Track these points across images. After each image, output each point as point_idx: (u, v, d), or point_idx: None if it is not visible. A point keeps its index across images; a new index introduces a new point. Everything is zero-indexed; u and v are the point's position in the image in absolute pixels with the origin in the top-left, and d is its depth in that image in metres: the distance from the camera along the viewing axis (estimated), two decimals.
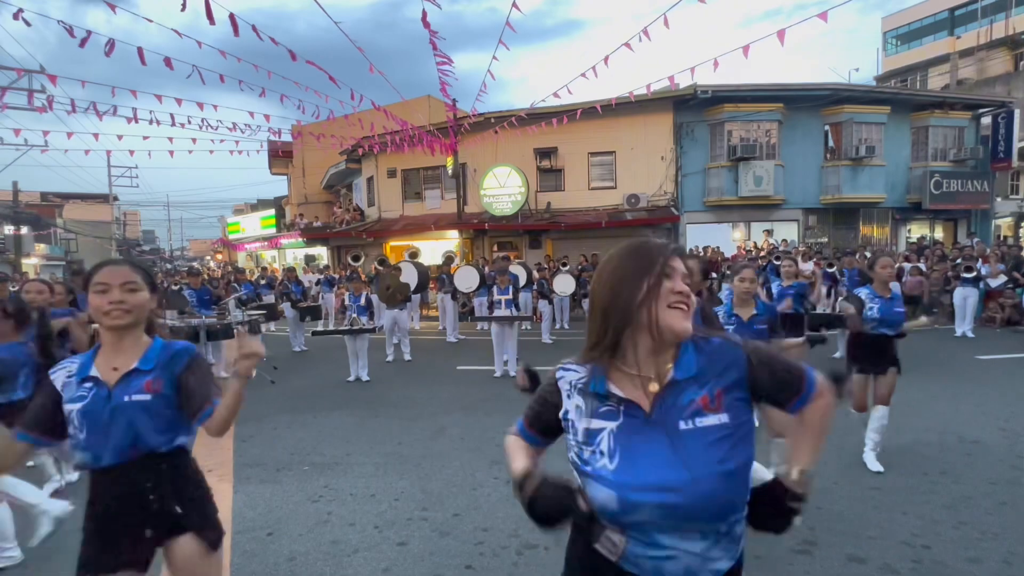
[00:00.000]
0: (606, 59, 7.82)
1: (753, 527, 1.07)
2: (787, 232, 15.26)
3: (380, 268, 12.13)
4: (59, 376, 1.47)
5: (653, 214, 14.98)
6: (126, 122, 9.16)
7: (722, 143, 15.06)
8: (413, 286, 8.46)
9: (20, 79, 15.56)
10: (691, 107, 14.90)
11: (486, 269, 11.67)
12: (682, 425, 0.98)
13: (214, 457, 4.03)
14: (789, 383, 1.04)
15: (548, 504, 0.99)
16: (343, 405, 5.77)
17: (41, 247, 28.30)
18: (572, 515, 0.99)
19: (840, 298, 8.34)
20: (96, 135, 10.52)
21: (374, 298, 8.27)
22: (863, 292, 3.70)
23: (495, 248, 16.43)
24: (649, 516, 0.96)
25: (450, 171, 15.07)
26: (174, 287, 10.10)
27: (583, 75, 7.98)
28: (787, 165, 15.08)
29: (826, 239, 15.52)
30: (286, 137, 17.05)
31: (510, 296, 7.23)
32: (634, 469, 0.97)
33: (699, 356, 1.03)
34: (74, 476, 3.59)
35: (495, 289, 7.36)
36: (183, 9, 5.24)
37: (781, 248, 13.01)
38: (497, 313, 7.21)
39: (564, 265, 11.80)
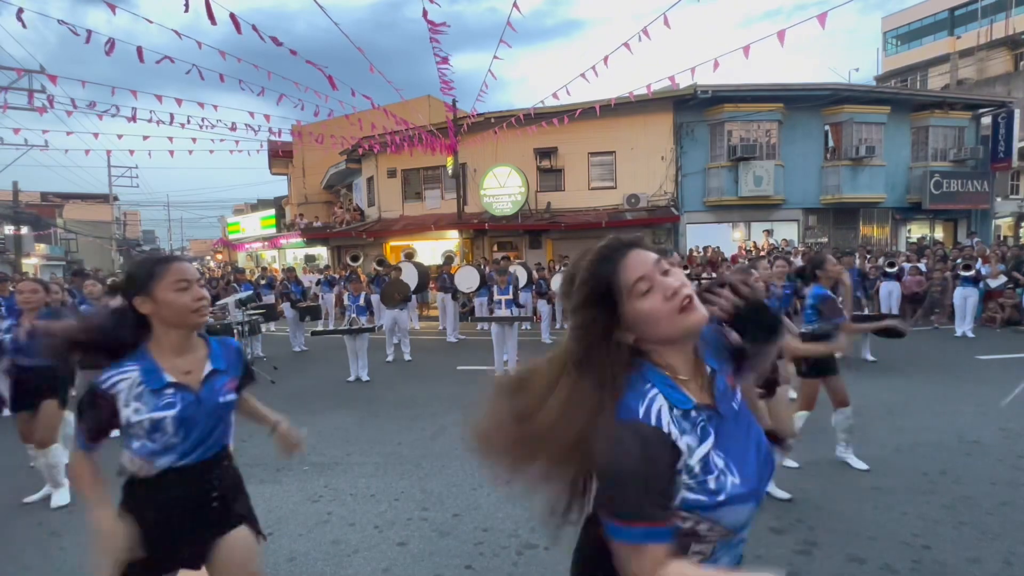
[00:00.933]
0: (606, 59, 7.82)
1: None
2: (787, 232, 15.26)
3: (379, 268, 12.14)
4: (121, 387, 1.36)
5: (653, 214, 14.99)
6: (126, 122, 9.17)
7: (722, 143, 15.06)
8: (413, 286, 8.47)
9: (20, 79, 15.57)
10: (691, 107, 14.91)
11: (486, 269, 11.67)
12: (734, 405, 0.97)
13: None
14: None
15: None
16: (343, 405, 5.77)
17: (41, 247, 28.29)
18: None
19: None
20: (96, 135, 10.52)
21: (374, 298, 8.29)
22: (816, 292, 3.73)
23: (495, 248, 16.44)
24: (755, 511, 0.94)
25: (450, 171, 15.08)
26: None
27: (583, 75, 7.98)
28: (787, 165, 15.09)
29: (826, 239, 15.52)
30: (286, 137, 17.07)
31: (510, 296, 7.24)
32: (747, 470, 0.91)
33: (708, 346, 1.01)
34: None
35: (495, 289, 7.37)
36: (186, 10, 5.24)
37: (781, 248, 13.02)
38: (497, 313, 7.21)
39: (563, 265, 11.80)
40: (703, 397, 0.94)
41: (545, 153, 15.69)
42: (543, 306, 10.55)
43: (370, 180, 18.87)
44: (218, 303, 8.14)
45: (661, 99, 14.56)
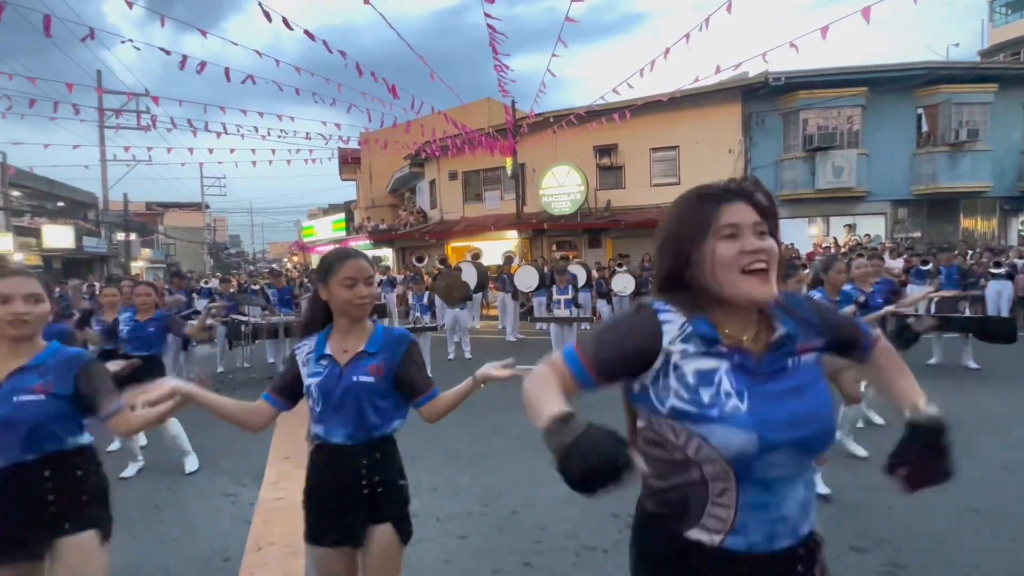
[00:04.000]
0: (666, 52, 7.59)
1: (917, 485, 1.03)
2: (872, 227, 14.05)
3: (441, 267, 12.48)
4: (301, 352, 1.60)
5: None
6: (216, 136, 10.05)
7: (796, 133, 14.12)
8: (473, 286, 8.64)
9: (129, 102, 17.44)
10: (761, 96, 14.10)
11: (545, 269, 11.68)
12: (789, 363, 0.96)
13: (290, 445, 4.31)
14: (852, 332, 1.10)
15: (593, 457, 0.77)
16: None
17: (146, 251, 31.62)
18: (619, 474, 0.77)
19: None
20: (191, 149, 11.66)
21: (435, 297, 8.54)
22: (816, 295, 3.64)
23: (554, 248, 16.40)
24: (781, 458, 0.90)
25: (509, 172, 15.22)
26: (254, 287, 10.95)
27: (641, 72, 7.79)
28: (872, 154, 13.88)
29: (919, 233, 14.13)
30: (355, 144, 17.98)
31: (569, 296, 7.21)
32: (766, 407, 0.90)
33: (789, 311, 1.01)
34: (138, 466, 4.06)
35: (554, 289, 7.36)
36: (269, 20, 5.69)
37: (865, 243, 12.01)
38: (556, 313, 7.20)
39: (621, 265, 11.56)
40: (737, 337, 0.96)
41: (605, 150, 15.44)
42: (603, 306, 10.39)
43: (432, 183, 19.43)
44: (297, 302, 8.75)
45: (728, 89, 13.91)
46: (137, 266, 27.66)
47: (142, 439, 4.33)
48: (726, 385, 0.91)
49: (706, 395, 0.90)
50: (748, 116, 14.42)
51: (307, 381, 1.56)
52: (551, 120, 13.82)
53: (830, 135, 13.68)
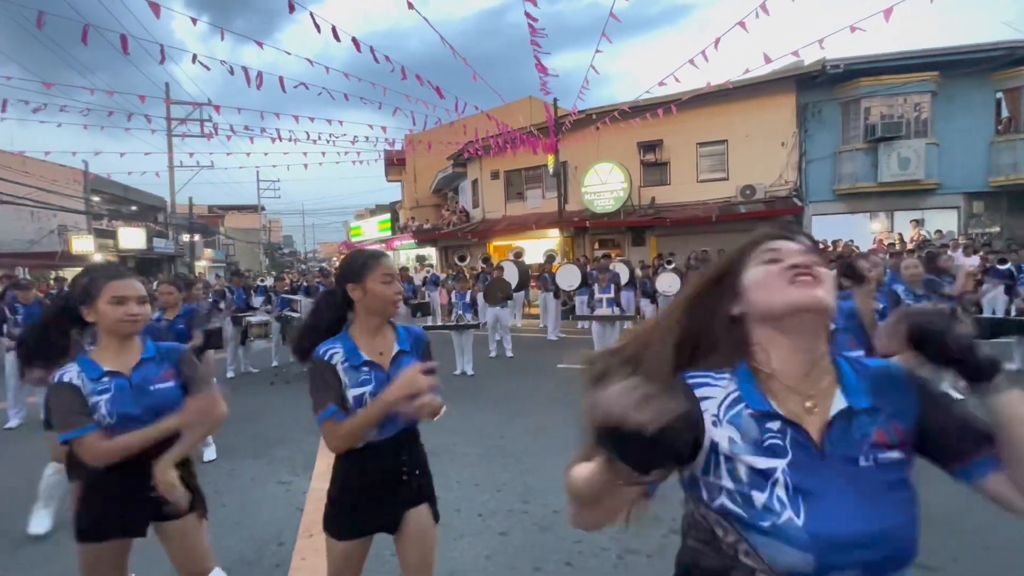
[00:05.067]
0: (716, 42, 7.34)
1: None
2: (943, 222, 13.06)
3: (484, 266, 12.61)
4: (336, 359, 1.56)
5: (771, 206, 13.72)
6: (271, 142, 10.57)
7: (857, 123, 13.30)
8: (514, 285, 8.67)
9: (193, 112, 18.59)
10: (818, 85, 13.38)
11: (587, 267, 11.57)
12: (862, 462, 0.79)
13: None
14: (969, 437, 0.81)
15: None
16: (449, 397, 6.04)
17: (208, 252, 33.63)
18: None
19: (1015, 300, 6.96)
20: (248, 154, 12.34)
21: (479, 296, 8.64)
22: (899, 289, 3.56)
23: (596, 246, 16.21)
24: None
25: (551, 170, 15.17)
26: (306, 284, 11.44)
27: (691, 62, 7.57)
28: (943, 143, 12.90)
29: (997, 228, 13.01)
30: (400, 146, 18.45)
31: (611, 295, 7.11)
32: (827, 523, 0.75)
33: (861, 379, 0.84)
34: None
35: (596, 288, 7.28)
36: (318, 31, 5.93)
37: (934, 239, 11.18)
38: (598, 312, 7.12)
39: (669, 263, 11.28)
40: (794, 412, 0.80)
41: (649, 146, 15.11)
42: (647, 306, 10.19)
43: (475, 183, 19.64)
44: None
45: (782, 79, 13.29)
46: (200, 265, 29.45)
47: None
48: (781, 488, 0.77)
49: (759, 499, 0.77)
50: (803, 107, 13.73)
51: (356, 391, 1.53)
52: (594, 117, 13.66)
53: (895, 124, 12.81)
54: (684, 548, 0.91)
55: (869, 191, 13.34)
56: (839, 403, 0.81)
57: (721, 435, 0.80)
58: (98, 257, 22.49)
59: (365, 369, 1.56)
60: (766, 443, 0.79)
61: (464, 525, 3.07)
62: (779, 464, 0.78)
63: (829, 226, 13.40)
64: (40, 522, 3.02)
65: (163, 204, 26.55)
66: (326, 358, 1.54)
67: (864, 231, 13.43)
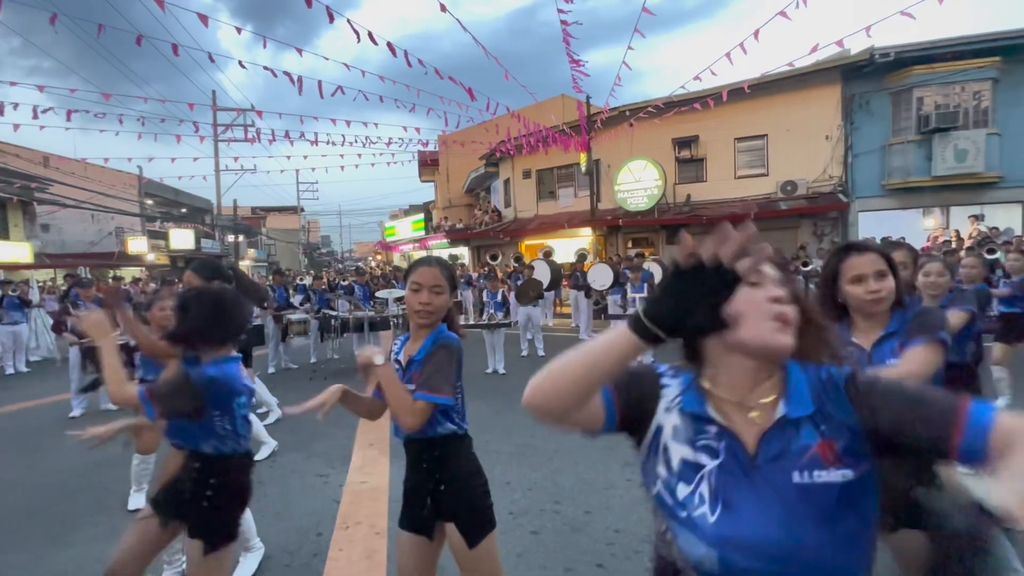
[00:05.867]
0: (756, 33, 7.11)
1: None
2: (1006, 217, 12.23)
3: (515, 265, 12.64)
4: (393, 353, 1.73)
5: (815, 202, 13.19)
6: (310, 145, 10.92)
7: (909, 114, 12.62)
8: (546, 284, 8.66)
9: (238, 117, 19.39)
10: (866, 75, 12.76)
11: (620, 266, 11.43)
12: (796, 478, 0.78)
13: (374, 433, 4.59)
14: (932, 423, 0.73)
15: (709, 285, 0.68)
16: (481, 395, 6.14)
17: (252, 252, 35.01)
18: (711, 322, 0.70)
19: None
20: (288, 157, 12.74)
21: (510, 295, 8.68)
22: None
23: (630, 245, 15.99)
24: None
25: (583, 168, 15.05)
26: (343, 283, 11.76)
27: (727, 56, 7.36)
28: (1005, 134, 12.07)
29: None
30: (434, 147, 18.71)
31: (644, 294, 7.00)
32: (739, 526, 0.77)
33: (811, 385, 0.82)
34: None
35: (628, 287, 7.18)
36: (358, 40, 6.09)
37: (993, 236, 10.48)
38: (631, 311, 7.03)
39: None
40: (734, 422, 0.82)
41: (685, 142, 14.79)
42: None
43: (507, 182, 19.70)
44: (378, 295, 9.29)
45: (826, 69, 12.76)
46: (244, 265, 30.69)
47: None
48: (705, 486, 0.81)
49: (682, 492, 0.82)
50: (849, 98, 13.13)
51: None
52: (627, 114, 13.46)
53: (951, 114, 12.08)
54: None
55: (922, 185, 12.63)
56: (779, 412, 0.81)
57: (667, 422, 0.87)
58: (151, 257, 23.74)
59: (395, 366, 1.69)
60: (700, 443, 0.84)
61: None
62: (709, 464, 0.82)
63: (877, 222, 12.76)
64: (135, 500, 3.40)
65: (210, 206, 27.82)
66: (393, 350, 1.75)
67: (916, 228, 12.73)
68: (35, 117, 8.29)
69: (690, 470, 0.83)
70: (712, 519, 0.79)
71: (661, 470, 0.85)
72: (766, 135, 14.06)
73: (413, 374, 1.61)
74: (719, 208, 14.16)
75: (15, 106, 7.97)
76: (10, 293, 8.13)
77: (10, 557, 2.88)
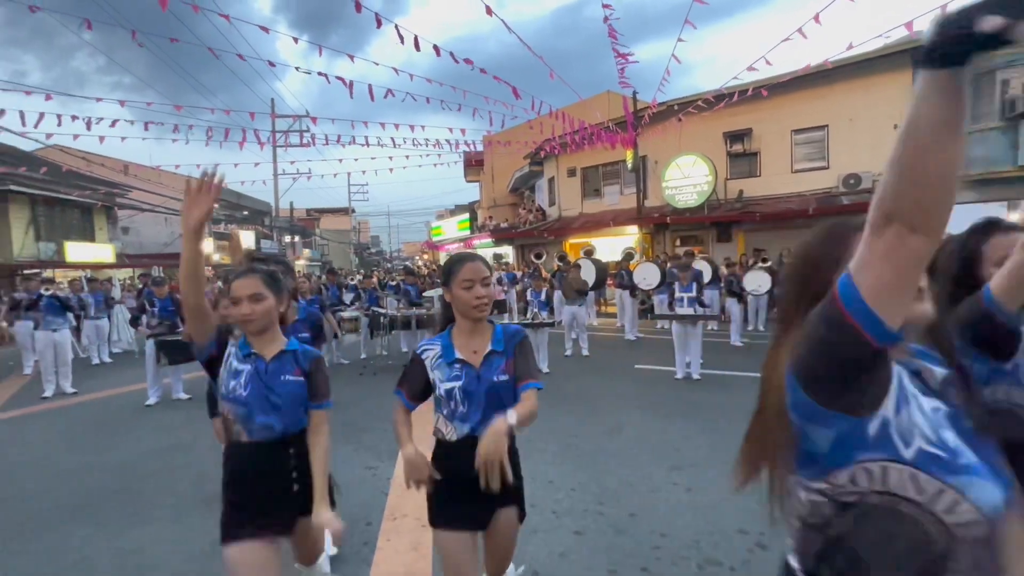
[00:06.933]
0: (817, 16, 6.74)
1: None
2: None
3: (560, 264, 12.59)
4: (428, 356, 1.69)
5: None
6: (362, 147, 11.33)
7: (991, 98, 11.57)
8: (591, 283, 8.57)
9: (294, 123, 20.32)
10: None
11: (668, 265, 11.15)
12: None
13: (419, 429, 4.70)
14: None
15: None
16: None
17: (306, 252, 36.67)
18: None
19: None
20: (340, 160, 13.25)
21: (556, 293, 8.65)
22: None
23: (678, 243, 15.55)
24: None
25: (629, 165, 14.77)
26: (391, 282, 12.10)
27: (789, 38, 7.01)
28: None
29: None
30: (479, 147, 18.92)
31: (693, 293, 6.79)
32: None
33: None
34: None
35: (676, 286, 6.99)
36: (402, 42, 6.26)
37: None
38: (679, 311, 6.83)
39: (765, 260, 10.54)
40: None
41: (737, 136, 14.22)
42: (732, 306, 9.60)
43: (551, 181, 19.63)
44: (425, 294, 9.50)
45: (894, 54, 11.91)
46: (299, 264, 32.17)
47: None
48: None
49: (951, 439, 0.73)
50: None
51: (446, 385, 1.64)
52: (675, 108, 13.09)
53: None
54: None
55: (1008, 176, 11.55)
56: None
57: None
58: (216, 258, 25.31)
59: (457, 366, 1.64)
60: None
61: (538, 521, 3.10)
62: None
63: (956, 216, 11.61)
64: None
65: (269, 209, 29.34)
66: (419, 352, 1.71)
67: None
68: (112, 126, 9.03)
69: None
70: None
71: (918, 418, 0.75)
72: (826, 126, 13.28)
73: (505, 365, 1.64)
74: (774, 204, 13.53)
75: (99, 120, 8.73)
76: (45, 293, 7.10)
77: (94, 531, 3.16)
